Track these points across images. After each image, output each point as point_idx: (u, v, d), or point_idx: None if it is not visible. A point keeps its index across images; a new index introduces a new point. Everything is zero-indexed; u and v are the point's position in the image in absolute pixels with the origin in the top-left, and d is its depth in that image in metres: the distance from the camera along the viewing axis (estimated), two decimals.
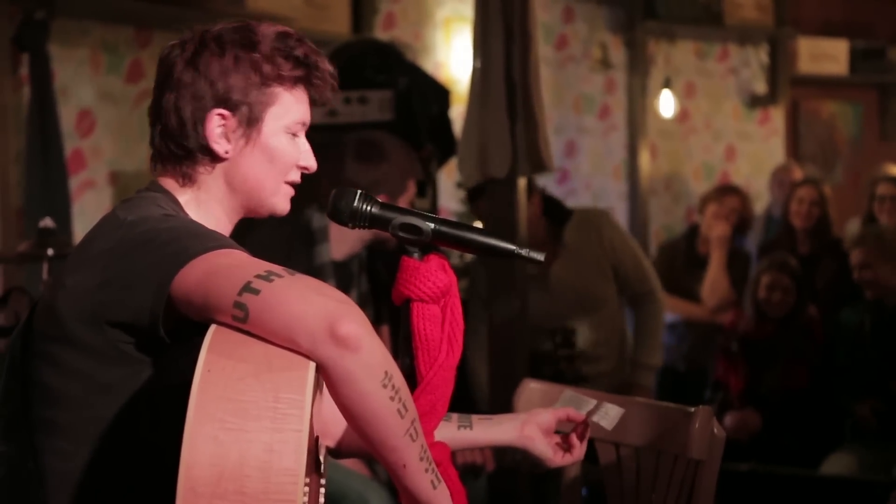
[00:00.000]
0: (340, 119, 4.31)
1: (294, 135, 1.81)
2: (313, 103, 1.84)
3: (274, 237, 3.32)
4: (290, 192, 1.85)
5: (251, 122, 1.77)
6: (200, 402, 1.40)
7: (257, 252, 1.64)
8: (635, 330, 4.35)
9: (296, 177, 1.84)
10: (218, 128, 1.76)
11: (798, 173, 6.32)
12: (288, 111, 1.79)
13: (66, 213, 4.31)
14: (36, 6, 4.28)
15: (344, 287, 3.41)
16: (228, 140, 1.77)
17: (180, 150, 1.78)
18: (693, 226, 5.60)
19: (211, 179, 1.79)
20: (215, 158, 1.78)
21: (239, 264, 1.55)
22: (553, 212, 4.25)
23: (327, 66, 1.81)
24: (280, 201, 1.83)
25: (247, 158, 1.78)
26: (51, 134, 4.33)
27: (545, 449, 2.12)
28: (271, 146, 1.78)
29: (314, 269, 3.34)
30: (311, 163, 1.84)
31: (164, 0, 4.60)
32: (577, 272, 4.20)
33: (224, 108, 1.75)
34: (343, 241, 3.41)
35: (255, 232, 3.17)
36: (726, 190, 5.68)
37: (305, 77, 1.79)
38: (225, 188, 1.80)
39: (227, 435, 1.40)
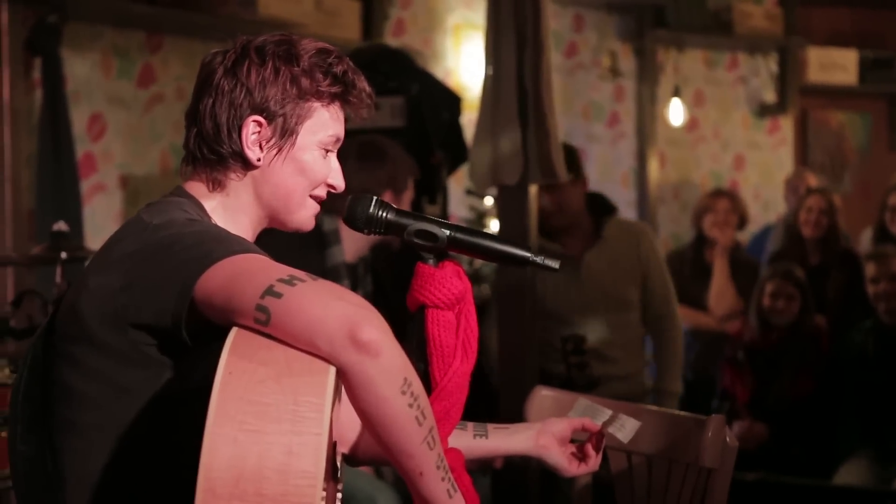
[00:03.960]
0: (351, 125, 4.30)
1: (326, 151, 1.84)
2: (347, 120, 1.86)
3: (287, 241, 3.34)
4: (316, 208, 1.86)
5: (285, 134, 1.79)
6: (221, 404, 1.41)
7: (272, 256, 1.65)
8: (658, 356, 4.27)
9: (322, 193, 1.85)
10: (253, 135, 1.78)
11: (812, 179, 6.29)
12: (323, 127, 1.81)
13: (76, 217, 4.32)
14: (49, 10, 4.29)
15: (353, 288, 3.43)
16: (262, 148, 1.79)
17: (213, 154, 1.79)
18: (700, 234, 5.58)
19: (241, 186, 1.81)
20: (247, 165, 1.80)
21: (262, 268, 1.56)
22: (594, 200, 4.24)
23: (364, 85, 1.84)
24: (304, 216, 1.85)
25: (277, 170, 1.80)
26: (62, 137, 4.34)
27: (560, 459, 2.11)
28: (303, 160, 1.80)
29: (328, 271, 3.38)
30: (339, 182, 1.87)
31: (176, 5, 4.62)
32: (609, 268, 4.17)
33: (260, 116, 1.77)
34: (353, 243, 3.48)
35: (267, 237, 3.19)
36: (714, 196, 5.66)
37: (342, 94, 1.82)
38: (253, 197, 1.81)
39: (247, 436, 1.40)
